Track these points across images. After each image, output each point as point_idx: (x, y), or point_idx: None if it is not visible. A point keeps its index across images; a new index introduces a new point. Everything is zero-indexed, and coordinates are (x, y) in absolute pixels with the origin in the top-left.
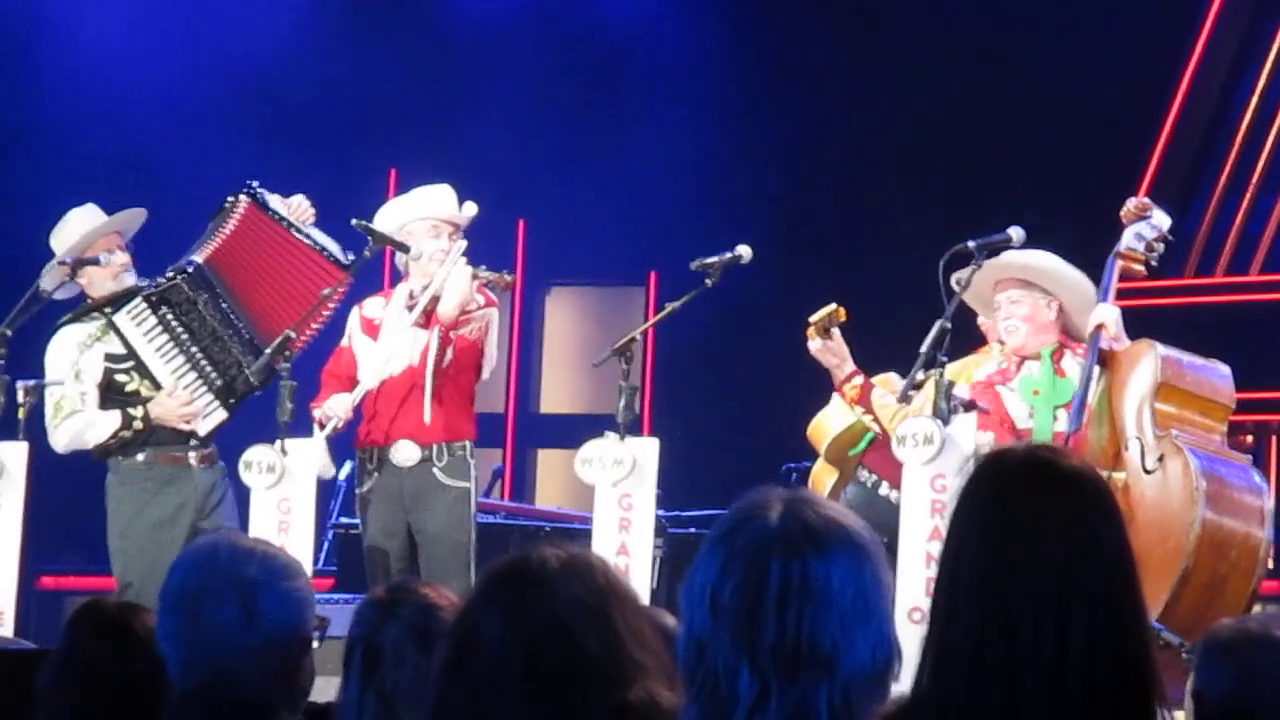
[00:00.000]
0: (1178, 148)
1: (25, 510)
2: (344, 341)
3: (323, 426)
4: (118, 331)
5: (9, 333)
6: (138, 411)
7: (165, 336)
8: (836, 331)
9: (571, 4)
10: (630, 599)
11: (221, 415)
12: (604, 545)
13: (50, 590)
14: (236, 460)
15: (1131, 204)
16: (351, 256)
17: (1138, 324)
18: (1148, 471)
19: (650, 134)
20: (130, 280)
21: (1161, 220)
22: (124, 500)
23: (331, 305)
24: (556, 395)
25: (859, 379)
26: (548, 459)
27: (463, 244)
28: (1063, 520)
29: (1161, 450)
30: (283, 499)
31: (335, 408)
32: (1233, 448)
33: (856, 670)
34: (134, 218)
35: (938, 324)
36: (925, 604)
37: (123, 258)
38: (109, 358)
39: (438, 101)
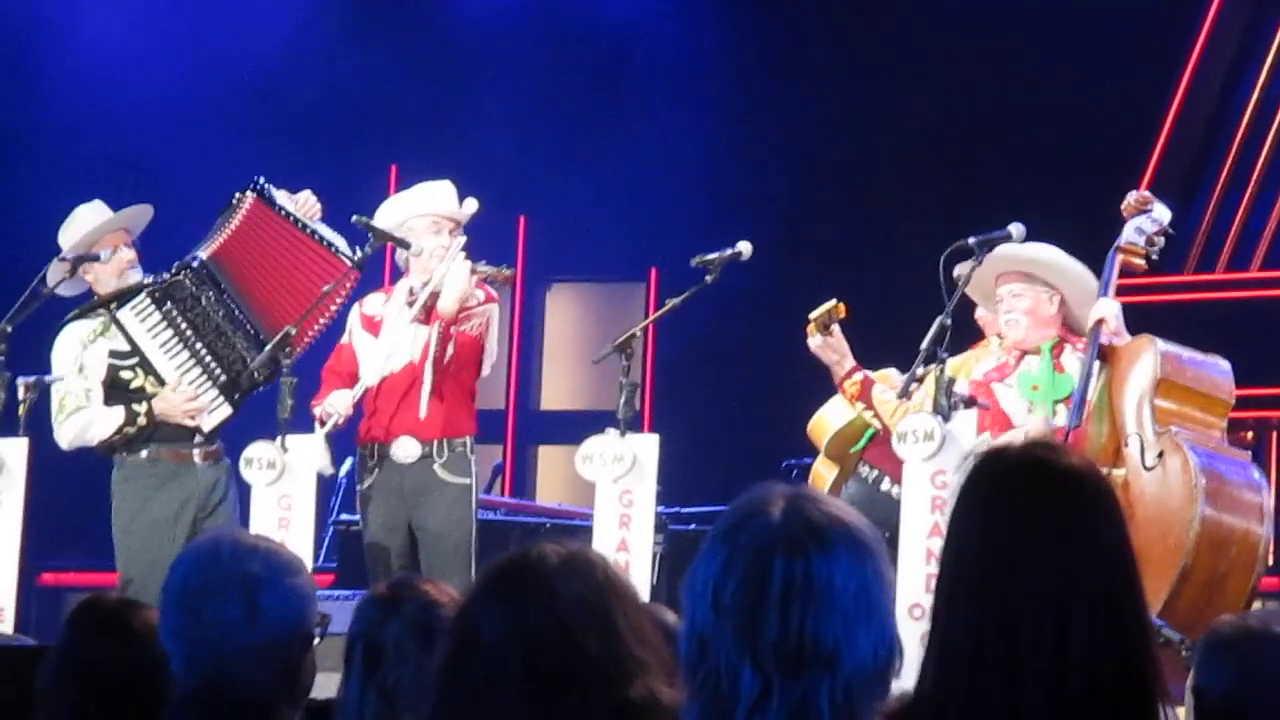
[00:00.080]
0: (1178, 145)
1: (26, 507)
2: (344, 338)
3: (323, 423)
4: (121, 327)
5: (9, 329)
6: (142, 408)
7: (170, 332)
8: (836, 328)
9: (571, 2)
10: (631, 596)
11: (226, 411)
12: (604, 542)
13: (50, 587)
14: (237, 457)
15: (1132, 197)
16: (360, 252)
17: (1139, 320)
18: (1147, 468)
19: (651, 131)
20: (136, 277)
21: (1162, 214)
22: (127, 496)
23: (339, 300)
24: (557, 391)
25: (859, 375)
26: (548, 455)
27: (462, 240)
28: (1062, 519)
29: (1161, 447)
30: (283, 495)
31: (335, 404)
32: (1233, 444)
33: (858, 668)
34: (141, 215)
35: (938, 321)
36: (925, 600)
37: (129, 254)
38: (114, 354)
39: (438, 98)
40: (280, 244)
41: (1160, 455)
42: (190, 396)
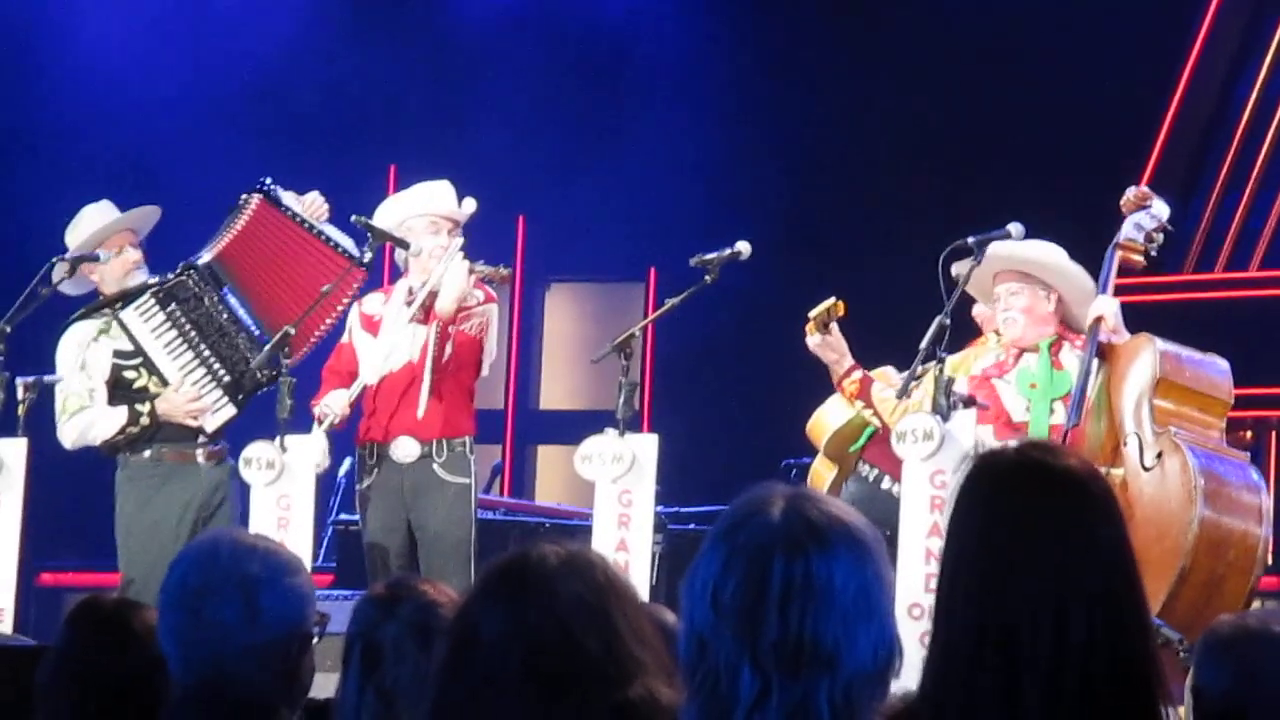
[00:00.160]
0: (1177, 144)
1: (25, 507)
2: (344, 338)
3: (321, 422)
4: (125, 328)
5: (8, 329)
6: (145, 408)
7: (173, 333)
8: (835, 326)
9: (571, 2)
10: (630, 596)
11: (230, 412)
12: (603, 542)
13: (50, 587)
14: (237, 457)
15: (1131, 193)
16: (368, 254)
17: (1138, 319)
18: (1146, 468)
19: (650, 131)
20: (141, 277)
21: (1161, 210)
22: (130, 496)
23: (346, 300)
24: (556, 391)
25: (858, 374)
26: (547, 455)
27: (460, 240)
28: (1059, 520)
29: (1160, 447)
30: (282, 495)
31: (333, 404)
32: (1232, 444)
33: (858, 668)
34: (148, 215)
35: (937, 320)
36: (925, 600)
37: (134, 255)
38: (117, 354)
39: (438, 99)
40: (286, 245)
41: (1159, 456)
42: (193, 397)
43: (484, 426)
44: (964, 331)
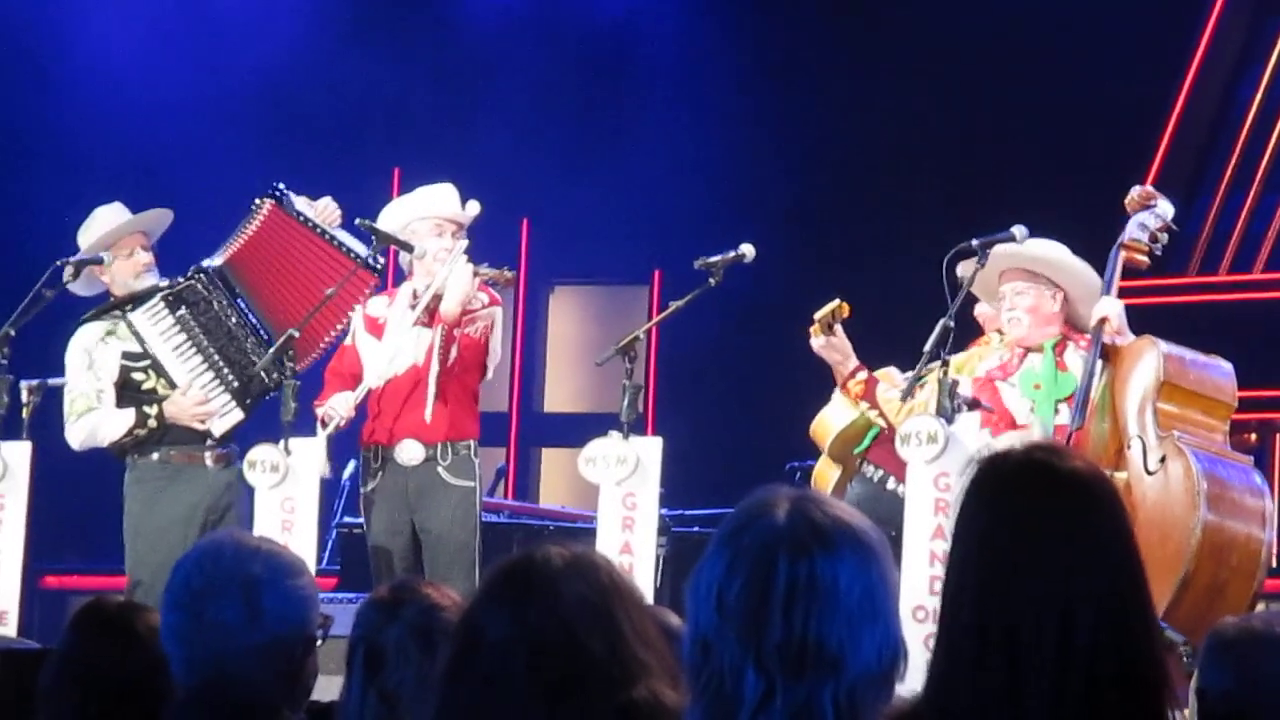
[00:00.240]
0: (1181, 147)
1: (29, 510)
2: (347, 340)
3: (324, 425)
4: (134, 330)
5: (12, 333)
6: (152, 410)
7: (182, 336)
8: (839, 328)
9: (574, 4)
10: (634, 598)
11: (237, 416)
12: (607, 544)
13: (53, 590)
14: (241, 460)
15: (1136, 192)
16: (381, 260)
17: (1141, 321)
18: (1150, 473)
19: (653, 133)
20: (152, 280)
21: (1165, 209)
22: (138, 498)
23: (359, 304)
24: (560, 394)
25: (863, 374)
26: (551, 458)
27: (464, 243)
28: (1065, 522)
29: (1164, 451)
30: (286, 498)
31: (337, 407)
32: (1236, 446)
33: (862, 670)
34: (160, 218)
35: (941, 323)
36: (929, 603)
37: (145, 257)
38: (126, 355)
39: (441, 101)
40: (297, 250)
41: (1162, 460)
42: (200, 400)
43: (488, 429)
44: (968, 333)
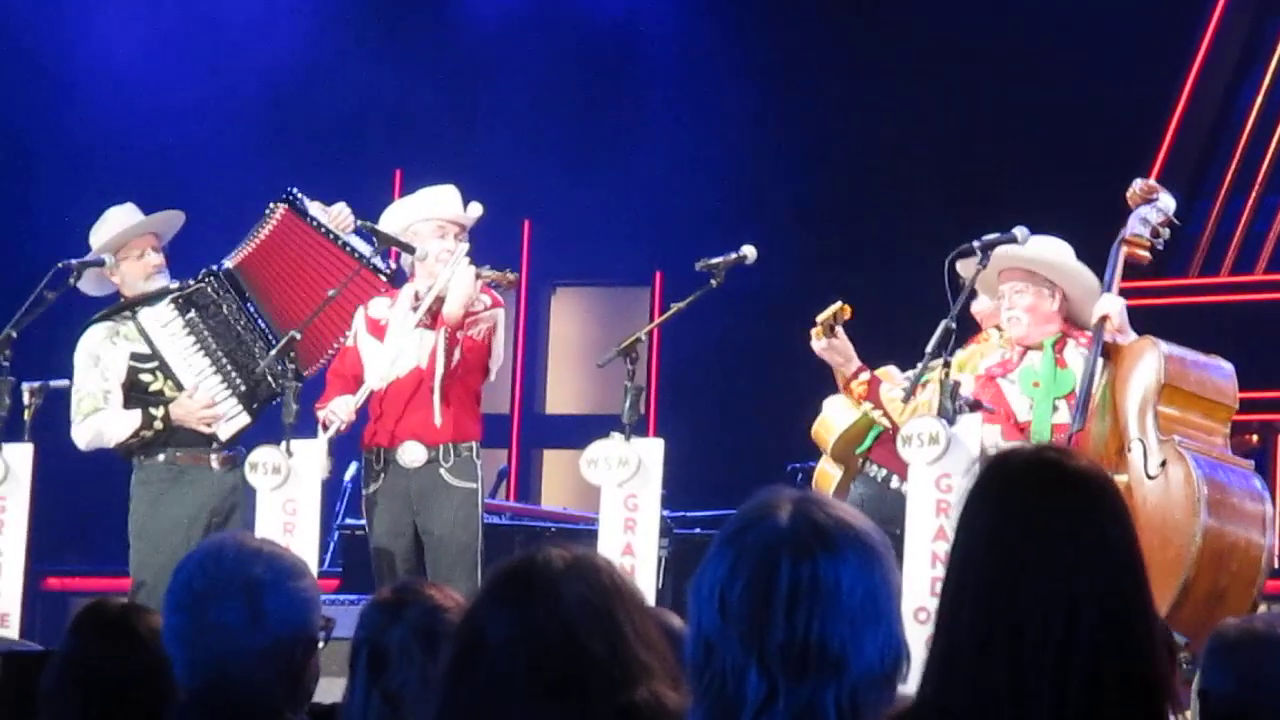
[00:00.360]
0: (1182, 148)
1: (31, 512)
2: (349, 341)
3: (326, 427)
4: (143, 331)
5: (14, 335)
6: (159, 412)
7: (191, 338)
8: (840, 330)
9: (576, 5)
10: (636, 600)
11: (244, 420)
12: (609, 546)
13: (55, 591)
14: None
15: (1138, 186)
16: (393, 265)
17: (1143, 322)
18: (1150, 477)
19: (654, 134)
20: (163, 281)
21: (1167, 203)
22: (143, 499)
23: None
24: (562, 396)
25: (866, 375)
26: (553, 459)
27: (466, 245)
28: (1072, 521)
29: (1164, 455)
30: (288, 500)
31: (338, 410)
32: (1238, 447)
33: (865, 671)
34: (171, 220)
35: (943, 324)
36: (931, 604)
37: (156, 259)
38: (134, 356)
39: (443, 103)
40: (309, 255)
41: (1163, 464)
42: (207, 403)
43: (490, 431)
44: (965, 329)
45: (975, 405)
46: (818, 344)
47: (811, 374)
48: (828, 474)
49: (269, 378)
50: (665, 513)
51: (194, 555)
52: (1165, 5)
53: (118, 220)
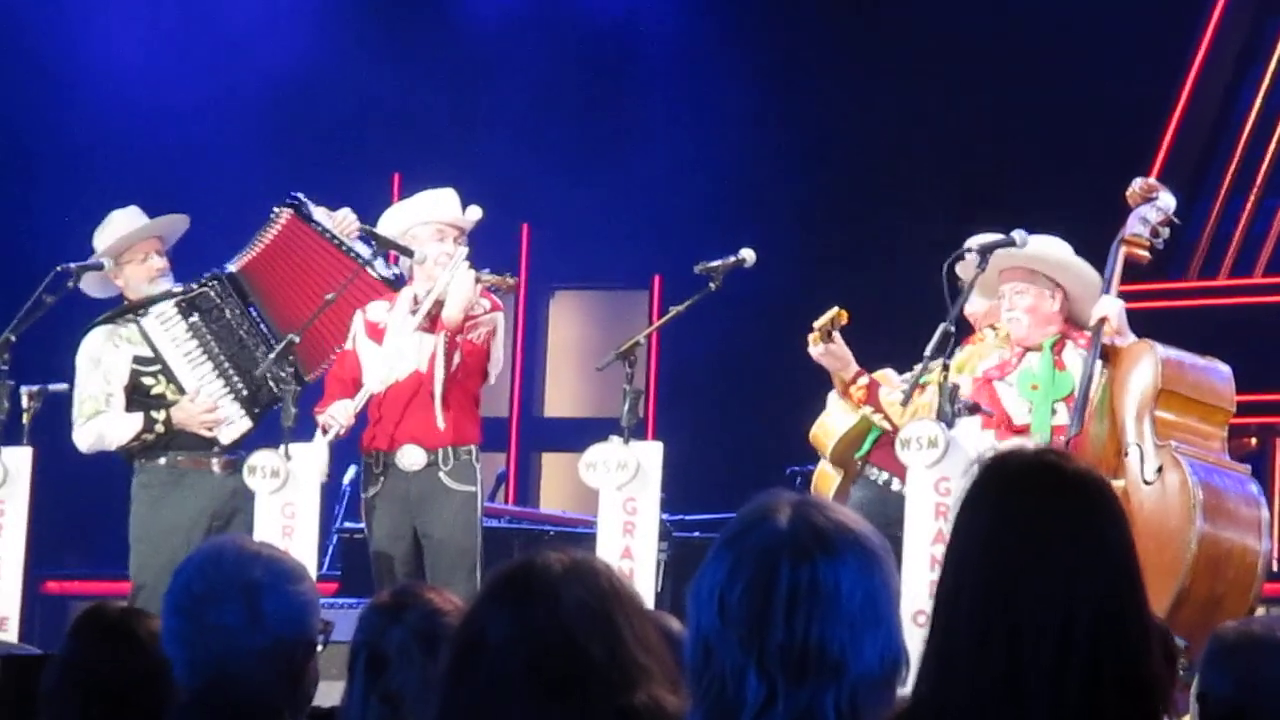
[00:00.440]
0: (1181, 150)
1: (30, 515)
2: (348, 345)
3: (325, 432)
4: (145, 334)
5: (13, 339)
6: (160, 415)
7: (194, 342)
8: (837, 335)
9: (575, 7)
10: (634, 603)
11: (246, 425)
12: (608, 549)
13: (54, 595)
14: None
15: (1138, 184)
16: (396, 271)
17: (1142, 326)
18: (1147, 482)
19: (655, 135)
20: (166, 285)
21: (1167, 201)
22: (144, 502)
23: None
24: (560, 399)
25: (865, 379)
26: (552, 463)
27: (465, 249)
28: (1071, 523)
29: (1160, 461)
30: (286, 503)
31: (337, 415)
32: (1236, 450)
33: (864, 675)
34: (176, 224)
35: (941, 327)
36: (930, 607)
37: (160, 262)
38: (137, 360)
39: (441, 105)
40: (313, 260)
41: (1159, 470)
42: (209, 407)
43: (488, 434)
44: (960, 331)
45: (974, 408)
46: (815, 349)
47: (810, 377)
48: (827, 477)
49: (268, 381)
50: (664, 516)
51: (193, 558)
52: (1165, 5)
53: (122, 223)
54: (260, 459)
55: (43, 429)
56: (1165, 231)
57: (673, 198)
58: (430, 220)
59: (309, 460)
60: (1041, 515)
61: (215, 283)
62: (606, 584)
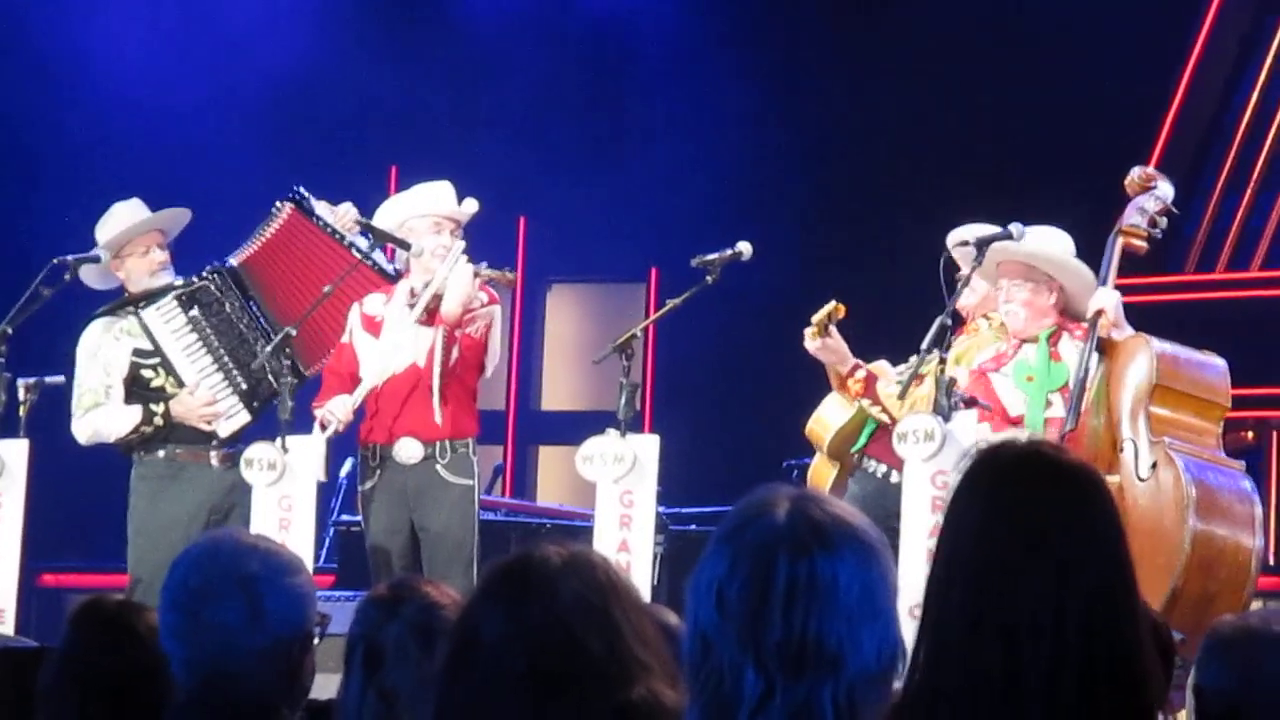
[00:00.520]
0: (1178, 145)
1: (26, 508)
2: (345, 338)
3: (324, 427)
4: (145, 327)
5: (9, 331)
6: (159, 408)
7: (194, 336)
8: (834, 329)
9: (575, 6)
10: (632, 597)
11: (244, 418)
12: (605, 542)
13: (51, 588)
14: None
15: (1136, 174)
16: (396, 267)
17: (1139, 320)
18: (1141, 479)
19: (651, 131)
20: (167, 278)
21: (1166, 190)
22: (142, 495)
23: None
24: (557, 392)
25: (862, 372)
26: (549, 456)
27: (462, 243)
28: (1063, 514)
29: (1155, 457)
30: (283, 496)
31: (336, 410)
32: (1232, 444)
33: (862, 669)
34: (177, 217)
35: (938, 321)
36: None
37: (161, 255)
38: (137, 352)
39: (441, 105)
40: (314, 255)
41: (1154, 467)
42: (208, 401)
43: (485, 427)
44: (955, 323)
45: (971, 402)
46: (812, 344)
47: (808, 371)
48: (823, 470)
49: (267, 374)
50: (661, 509)
51: (189, 552)
52: (1164, 4)
53: (123, 216)
54: (257, 452)
55: (39, 421)
56: (1163, 221)
57: (672, 197)
58: (427, 213)
59: (306, 453)
60: (1033, 507)
61: (216, 276)
62: (604, 578)
